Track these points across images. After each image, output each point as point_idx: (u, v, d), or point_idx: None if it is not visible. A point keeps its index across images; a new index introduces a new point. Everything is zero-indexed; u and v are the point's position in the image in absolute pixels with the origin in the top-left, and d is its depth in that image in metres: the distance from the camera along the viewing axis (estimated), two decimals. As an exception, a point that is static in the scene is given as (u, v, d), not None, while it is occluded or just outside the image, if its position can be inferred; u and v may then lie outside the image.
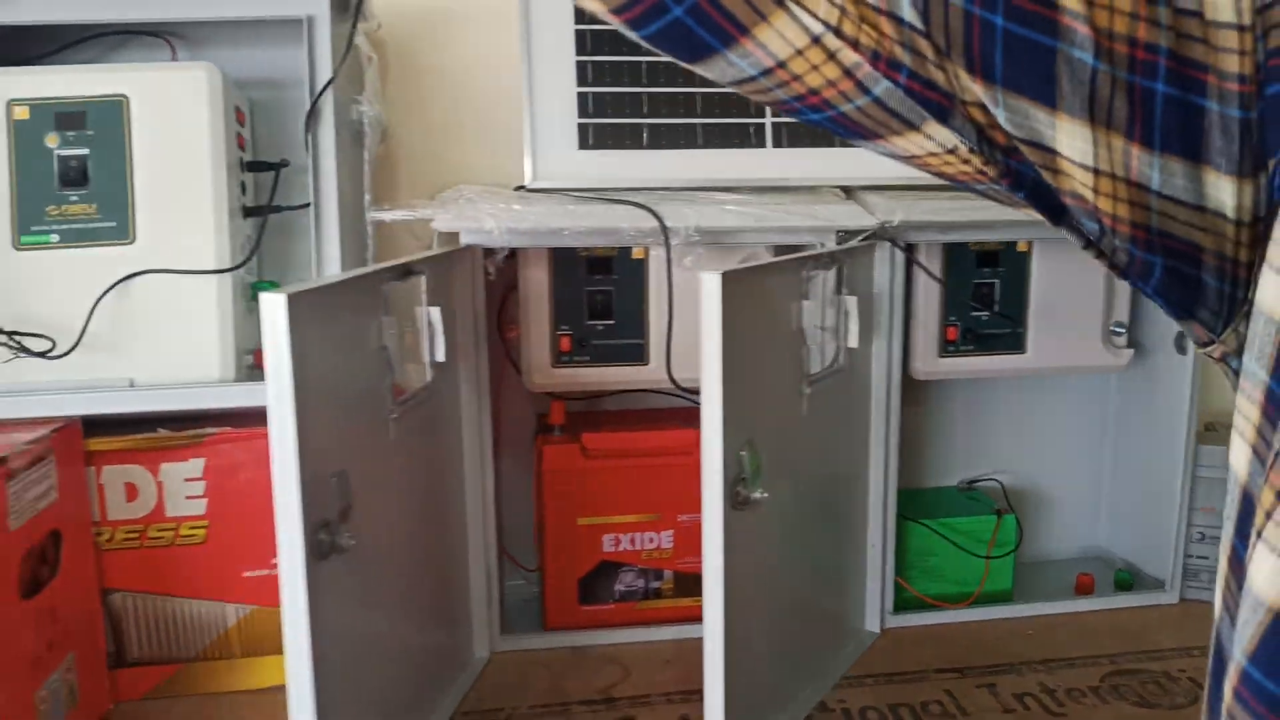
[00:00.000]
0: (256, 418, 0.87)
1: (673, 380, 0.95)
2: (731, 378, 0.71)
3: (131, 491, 0.86)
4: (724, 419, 0.70)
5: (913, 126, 0.40)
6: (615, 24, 0.40)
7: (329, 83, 0.86)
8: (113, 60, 0.94)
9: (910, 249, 0.99)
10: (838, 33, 0.38)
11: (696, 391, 1.00)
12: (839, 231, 0.94)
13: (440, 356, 0.83)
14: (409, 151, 1.02)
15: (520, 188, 0.97)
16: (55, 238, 0.84)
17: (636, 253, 0.98)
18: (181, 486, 0.86)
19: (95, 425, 0.85)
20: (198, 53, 0.94)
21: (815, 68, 0.39)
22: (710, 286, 0.69)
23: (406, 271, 0.78)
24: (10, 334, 0.80)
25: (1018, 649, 0.99)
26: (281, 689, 0.89)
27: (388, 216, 0.89)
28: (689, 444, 0.99)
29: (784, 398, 0.83)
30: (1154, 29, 0.34)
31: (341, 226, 0.87)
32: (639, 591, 1.01)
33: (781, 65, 0.39)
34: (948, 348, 1.03)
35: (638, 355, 1.00)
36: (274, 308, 0.59)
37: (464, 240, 0.89)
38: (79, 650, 0.81)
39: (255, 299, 0.91)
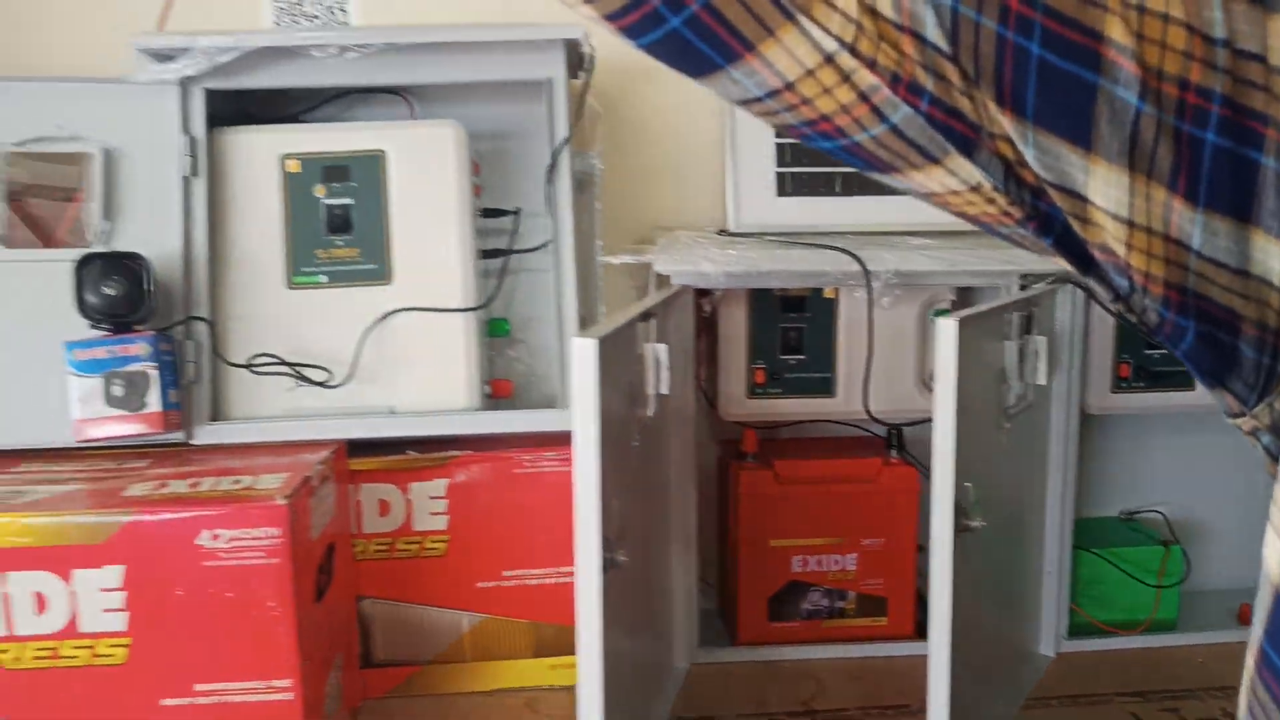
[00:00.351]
0: (492, 442, 0.96)
1: (869, 413, 1.02)
2: (959, 415, 0.77)
3: (384, 507, 0.95)
4: (955, 452, 0.76)
5: (934, 160, 0.37)
6: (611, 31, 0.37)
7: (567, 139, 0.94)
8: (356, 115, 1.03)
9: (1089, 289, 1.04)
10: (853, 51, 0.34)
11: (885, 424, 1.08)
12: (1023, 274, 1.00)
13: (665, 390, 0.90)
14: (609, 196, 1.11)
15: (723, 232, 1.05)
16: (324, 278, 0.94)
17: (827, 292, 1.05)
18: (427, 504, 0.95)
19: (352, 446, 0.94)
20: (430, 109, 1.04)
21: (828, 90, 0.36)
22: (947, 331, 0.76)
23: (647, 314, 0.86)
24: (294, 365, 0.90)
25: (1192, 676, 1.03)
26: (509, 691, 0.98)
27: (615, 260, 0.98)
28: (873, 472, 1.06)
29: (989, 432, 0.89)
30: (1209, 71, 0.30)
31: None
32: (824, 610, 1.07)
33: (790, 86, 0.36)
34: (1120, 384, 1.08)
35: (826, 388, 1.07)
36: (586, 351, 0.67)
37: (679, 281, 0.97)
38: (344, 651, 0.90)
39: (491, 334, 1.00)
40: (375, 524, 0.95)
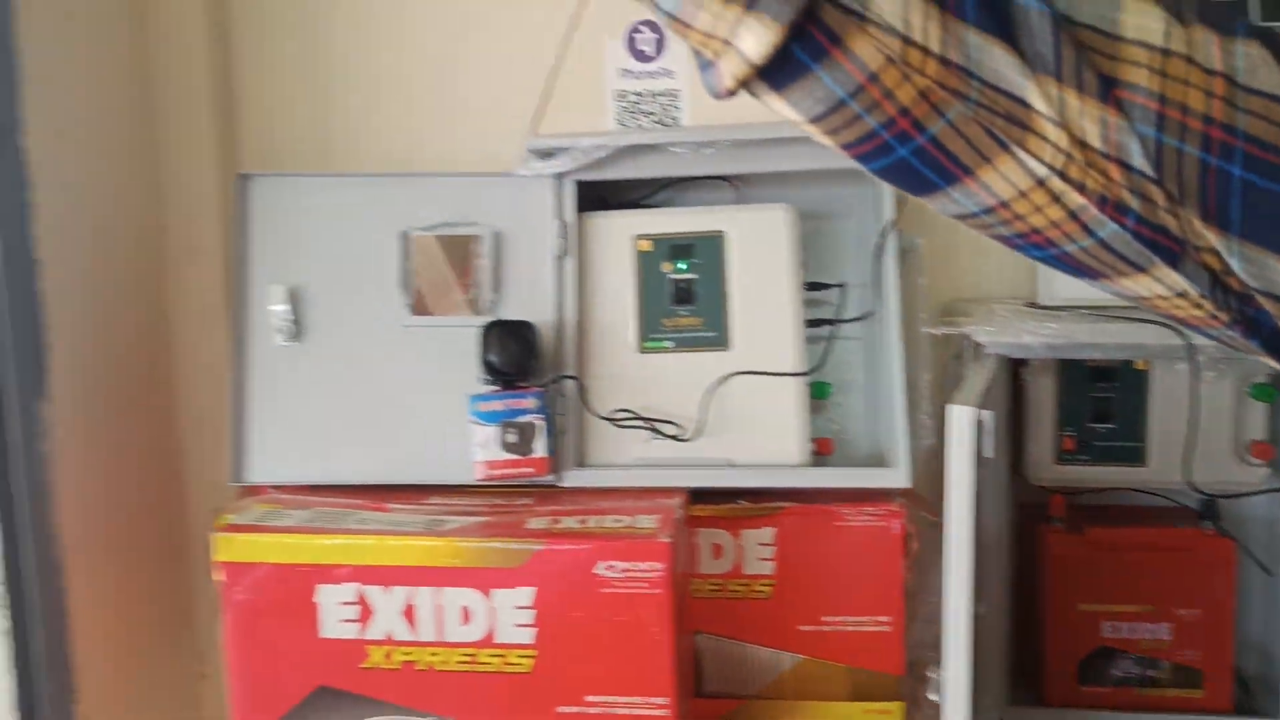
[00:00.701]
0: (813, 495, 1.04)
1: (1191, 485, 1.03)
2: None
3: (716, 550, 1.04)
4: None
5: (1141, 269, 0.40)
6: (845, 156, 0.42)
7: (894, 220, 1.03)
8: (687, 198, 1.16)
9: None
10: (1063, 176, 0.38)
11: (1203, 494, 1.08)
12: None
13: (990, 454, 0.96)
14: (914, 269, 1.18)
15: (1032, 304, 1.10)
16: (670, 344, 1.06)
17: (1139, 364, 1.08)
18: (756, 549, 1.04)
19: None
20: (752, 191, 1.15)
21: (1039, 209, 0.40)
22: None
23: (989, 384, 0.93)
24: (648, 420, 1.02)
25: None
26: (827, 731, 1.04)
27: (939, 331, 1.05)
28: (1188, 542, 1.07)
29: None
30: None
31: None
32: (1136, 678, 1.08)
33: (1004, 205, 0.40)
34: None
35: (1136, 457, 1.09)
36: (963, 419, 0.74)
37: (996, 351, 1.03)
38: (686, 680, 1.00)
39: (815, 396, 1.09)
40: (709, 565, 1.05)
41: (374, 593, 0.88)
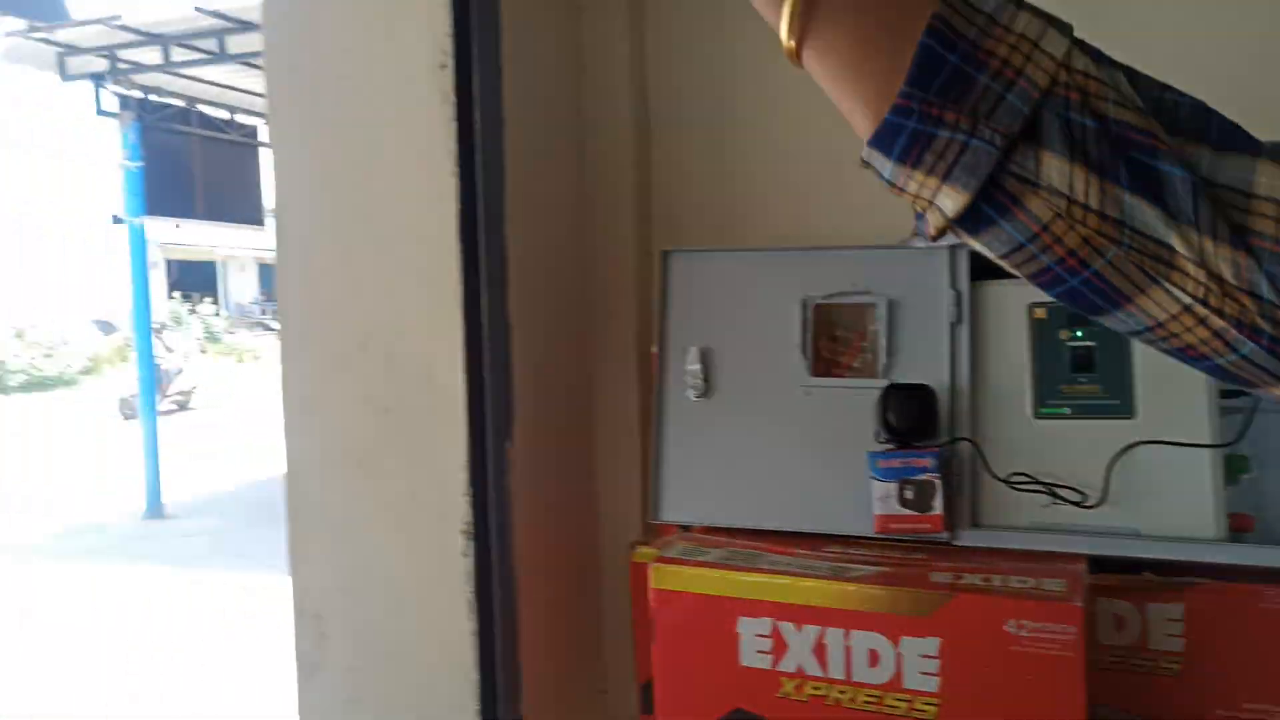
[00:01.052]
0: (1228, 573, 1.00)
1: None
2: None
3: (1119, 622, 1.03)
4: None
5: None
6: (1029, 282, 0.50)
7: (1329, 287, 0.98)
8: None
9: None
10: (1205, 304, 0.46)
11: None
12: None
13: None
14: None
15: None
16: (1067, 411, 1.08)
17: None
18: (1163, 625, 1.01)
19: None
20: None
21: (1189, 329, 0.47)
22: None
23: None
24: (1048, 485, 1.04)
25: None
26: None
27: (1385, 405, 0.98)
28: None
29: None
30: None
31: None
32: None
33: (1160, 325, 0.48)
34: None
35: None
36: None
37: None
38: (1085, 749, 0.99)
39: (1232, 470, 1.05)
40: (1108, 636, 1.03)
41: (788, 629, 0.98)
